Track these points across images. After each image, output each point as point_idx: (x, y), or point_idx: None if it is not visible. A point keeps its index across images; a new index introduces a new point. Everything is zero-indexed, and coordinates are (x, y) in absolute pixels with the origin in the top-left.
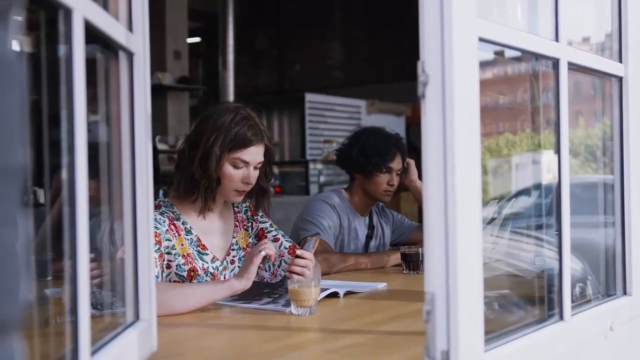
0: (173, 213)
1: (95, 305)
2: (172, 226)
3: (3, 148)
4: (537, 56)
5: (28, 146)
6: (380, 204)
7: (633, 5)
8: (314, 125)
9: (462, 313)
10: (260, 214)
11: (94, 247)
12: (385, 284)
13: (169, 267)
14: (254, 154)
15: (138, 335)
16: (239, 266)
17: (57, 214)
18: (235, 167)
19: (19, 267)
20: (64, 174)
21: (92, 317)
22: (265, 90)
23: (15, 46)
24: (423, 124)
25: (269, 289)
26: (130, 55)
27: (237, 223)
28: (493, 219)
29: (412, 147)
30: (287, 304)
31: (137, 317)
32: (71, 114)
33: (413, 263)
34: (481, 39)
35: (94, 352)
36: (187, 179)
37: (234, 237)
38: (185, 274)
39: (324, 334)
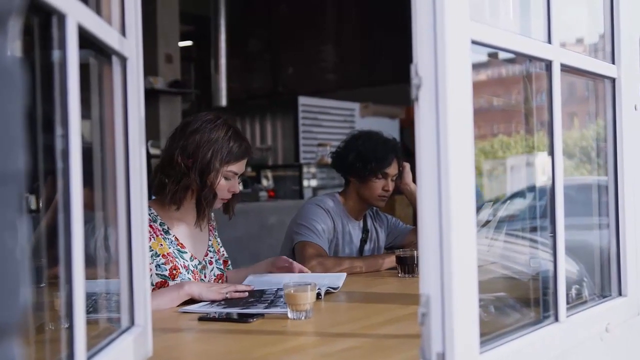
0: (150, 215)
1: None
2: (149, 228)
3: (5, 154)
4: (530, 58)
5: (27, 152)
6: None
7: (625, 6)
8: (307, 128)
9: (457, 315)
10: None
11: (88, 254)
12: (344, 274)
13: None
14: (244, 165)
15: (133, 341)
16: (217, 267)
17: (50, 220)
18: (226, 178)
19: (20, 271)
20: (59, 180)
21: (87, 322)
22: (258, 93)
23: (14, 52)
24: (416, 126)
25: (259, 295)
26: (123, 60)
27: (210, 228)
28: (488, 222)
29: (406, 150)
30: (286, 306)
31: (132, 322)
32: (65, 119)
33: (408, 266)
34: (474, 42)
35: (89, 358)
36: (182, 190)
37: (209, 240)
38: (167, 273)
39: (320, 337)
